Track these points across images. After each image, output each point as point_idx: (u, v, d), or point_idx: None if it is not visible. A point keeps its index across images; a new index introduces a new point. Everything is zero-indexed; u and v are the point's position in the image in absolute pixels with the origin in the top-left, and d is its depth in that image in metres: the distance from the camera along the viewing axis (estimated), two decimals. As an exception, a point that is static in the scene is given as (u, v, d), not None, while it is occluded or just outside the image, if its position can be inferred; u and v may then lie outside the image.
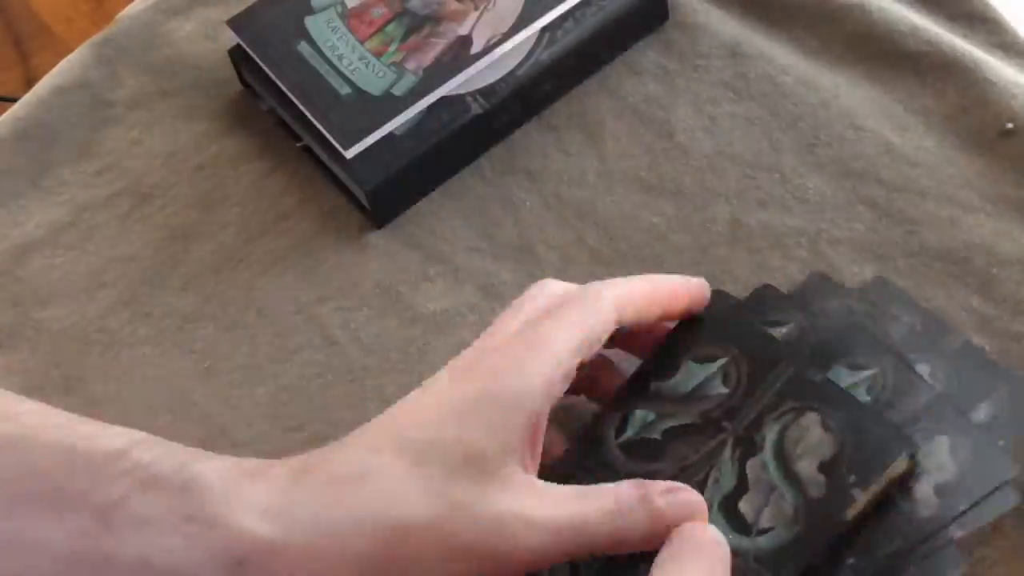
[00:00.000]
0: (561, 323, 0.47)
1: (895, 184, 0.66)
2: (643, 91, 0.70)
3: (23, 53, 1.74)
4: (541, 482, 0.45)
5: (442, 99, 0.68)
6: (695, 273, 0.55)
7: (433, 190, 0.68)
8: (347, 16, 0.71)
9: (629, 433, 0.50)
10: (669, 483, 0.45)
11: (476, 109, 0.67)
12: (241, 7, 0.73)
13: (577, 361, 0.47)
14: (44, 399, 0.60)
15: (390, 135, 0.67)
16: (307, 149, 0.70)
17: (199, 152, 0.71)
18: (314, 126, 0.67)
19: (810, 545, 0.45)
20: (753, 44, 0.71)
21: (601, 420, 0.51)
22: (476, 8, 0.70)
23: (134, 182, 0.71)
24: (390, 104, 0.67)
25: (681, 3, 0.73)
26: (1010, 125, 0.66)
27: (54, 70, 0.76)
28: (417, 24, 0.70)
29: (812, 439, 0.46)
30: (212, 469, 0.43)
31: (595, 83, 0.71)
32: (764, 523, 0.46)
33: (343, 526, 0.42)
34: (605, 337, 0.49)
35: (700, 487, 0.47)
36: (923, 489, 0.46)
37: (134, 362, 0.65)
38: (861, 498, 0.45)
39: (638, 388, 0.51)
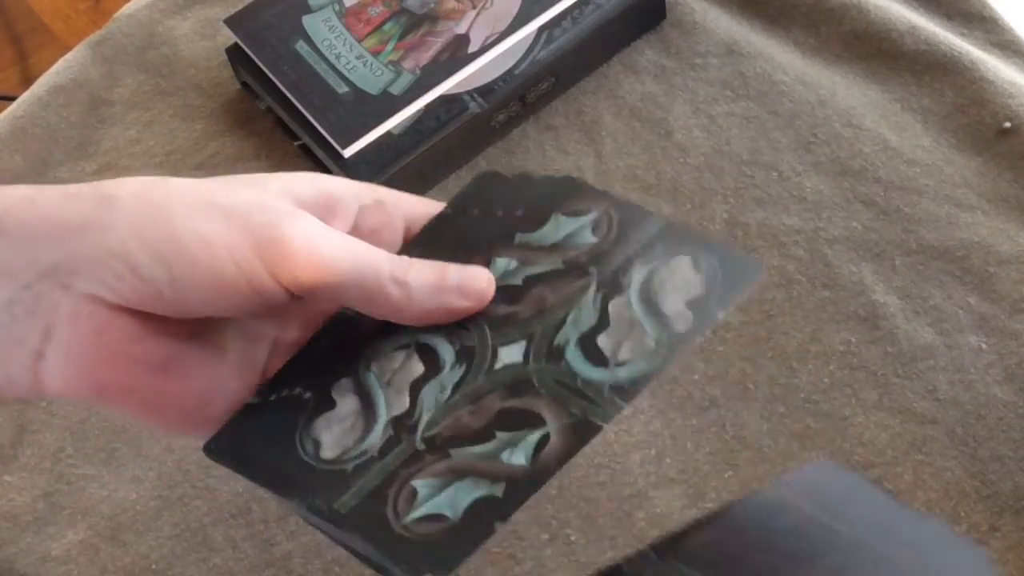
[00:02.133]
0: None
1: (893, 182, 0.66)
2: (641, 90, 0.70)
3: (21, 52, 1.74)
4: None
5: (440, 98, 0.68)
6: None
7: (431, 189, 0.68)
8: (344, 15, 0.71)
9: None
10: (461, 271, 0.45)
11: (474, 108, 0.67)
12: (239, 6, 0.73)
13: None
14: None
15: (388, 134, 0.67)
16: (305, 148, 0.70)
17: (197, 151, 0.71)
18: (312, 125, 0.67)
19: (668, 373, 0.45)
20: (751, 43, 0.71)
21: (456, 241, 0.50)
22: (474, 7, 0.70)
23: (132, 181, 0.71)
24: (388, 103, 0.67)
25: (678, 2, 0.73)
26: (1008, 124, 0.66)
27: (52, 69, 0.76)
28: (415, 23, 0.70)
29: (680, 279, 0.46)
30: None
31: (593, 82, 0.71)
32: (623, 356, 0.45)
33: (108, 185, 0.42)
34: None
35: (557, 327, 0.47)
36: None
37: (132, 361, 0.65)
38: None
39: (500, 237, 0.50)
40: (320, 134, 0.67)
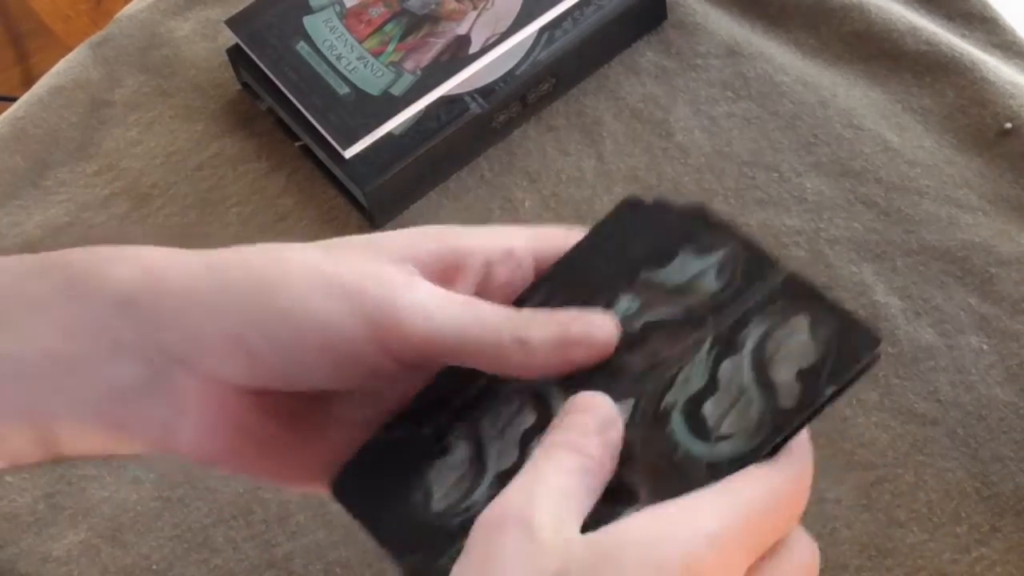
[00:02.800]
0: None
1: (893, 183, 0.66)
2: (641, 91, 0.70)
3: (22, 52, 1.74)
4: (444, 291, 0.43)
5: (441, 99, 0.68)
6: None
7: (432, 190, 0.68)
8: (345, 16, 0.71)
9: None
10: (573, 313, 0.44)
11: (475, 109, 0.67)
12: (239, 7, 0.73)
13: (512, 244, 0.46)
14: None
15: (389, 135, 0.67)
16: (306, 149, 0.70)
17: (198, 152, 0.71)
18: (313, 126, 0.67)
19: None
20: (751, 43, 0.71)
21: (576, 283, 0.48)
22: (474, 7, 0.70)
23: (133, 182, 0.71)
24: (389, 104, 0.67)
25: (679, 3, 0.73)
26: (1008, 125, 0.66)
27: (53, 70, 0.76)
28: (415, 24, 0.70)
29: (795, 342, 0.43)
30: (90, 248, 0.43)
31: (594, 83, 0.71)
32: (725, 429, 0.42)
33: (224, 261, 0.42)
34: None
35: (666, 387, 0.44)
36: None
37: (133, 362, 0.65)
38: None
39: (626, 273, 0.47)
40: (321, 135, 0.67)
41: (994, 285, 0.62)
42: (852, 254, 0.64)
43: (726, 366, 0.44)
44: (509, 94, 0.68)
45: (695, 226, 0.46)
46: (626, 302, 0.46)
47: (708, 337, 0.44)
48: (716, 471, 0.41)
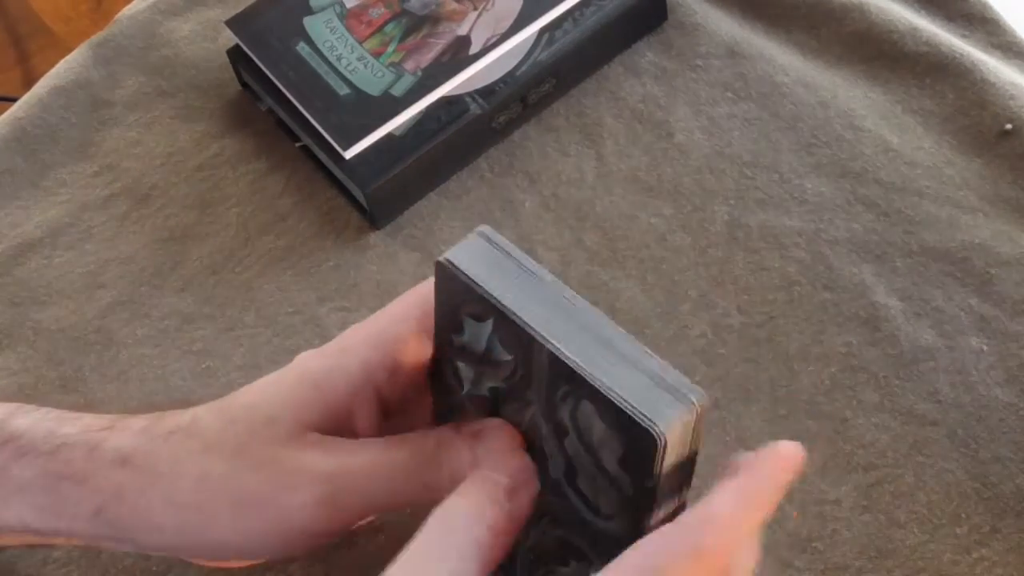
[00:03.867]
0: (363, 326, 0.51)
1: (894, 184, 0.66)
2: (642, 91, 0.70)
3: (22, 53, 1.74)
4: (342, 440, 0.48)
5: (441, 99, 0.68)
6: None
7: (432, 190, 0.68)
8: (346, 16, 0.71)
9: (467, 386, 0.48)
10: (478, 425, 0.47)
11: (475, 109, 0.67)
12: (240, 7, 0.73)
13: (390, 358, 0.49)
14: (42, 399, 0.61)
15: (389, 136, 0.67)
16: (306, 149, 0.70)
17: (198, 153, 0.71)
18: (313, 126, 0.67)
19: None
20: (752, 44, 0.71)
21: (440, 370, 0.49)
22: (475, 8, 0.70)
23: (133, 183, 0.71)
24: (389, 104, 0.67)
25: (680, 3, 0.73)
26: (1009, 126, 0.66)
27: (53, 70, 0.76)
28: (416, 24, 0.70)
29: (599, 432, 0.43)
30: (76, 431, 0.50)
31: (594, 83, 0.71)
32: (604, 509, 0.45)
33: (170, 469, 0.48)
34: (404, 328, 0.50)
35: (544, 460, 0.46)
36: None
37: (133, 362, 0.65)
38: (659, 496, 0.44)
39: (446, 340, 0.48)
40: (321, 135, 0.67)
41: (994, 286, 0.62)
42: (852, 255, 0.64)
43: (569, 446, 0.44)
44: (509, 95, 0.68)
45: (456, 287, 0.46)
46: (464, 367, 0.47)
47: (538, 411, 0.45)
48: (607, 553, 0.42)
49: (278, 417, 0.48)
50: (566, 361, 0.42)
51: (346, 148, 0.66)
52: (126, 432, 0.49)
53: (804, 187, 0.66)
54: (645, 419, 0.41)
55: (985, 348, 0.60)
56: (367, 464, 0.47)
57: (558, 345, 0.43)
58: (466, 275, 0.45)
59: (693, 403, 0.42)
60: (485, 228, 0.46)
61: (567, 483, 0.45)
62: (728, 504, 0.42)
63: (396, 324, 0.49)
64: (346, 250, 0.67)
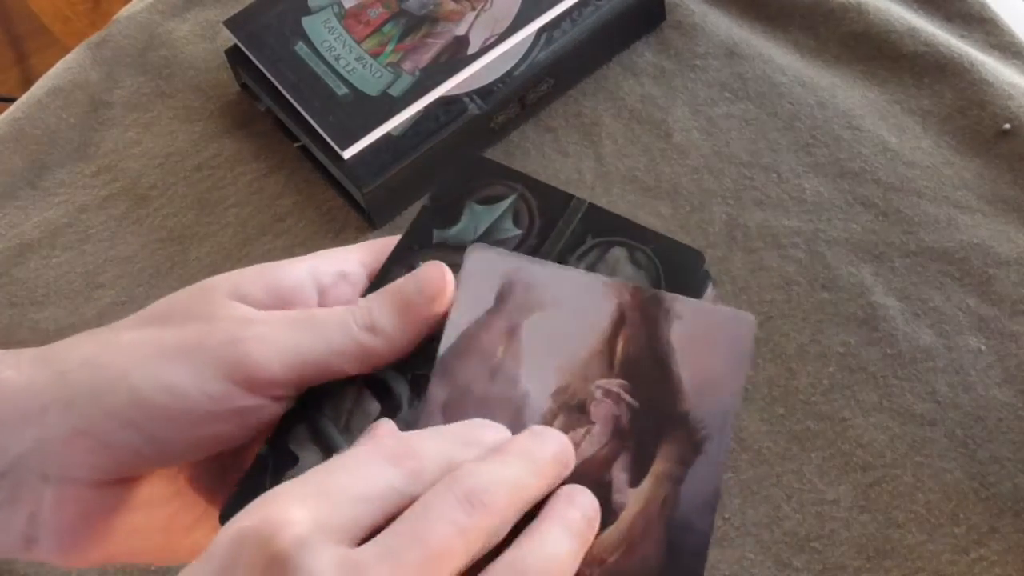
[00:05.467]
0: None
1: (892, 184, 0.66)
2: (640, 91, 0.70)
3: (21, 53, 1.74)
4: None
5: (439, 100, 0.68)
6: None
7: (431, 190, 0.68)
8: (344, 16, 0.71)
9: None
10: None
11: (473, 109, 0.67)
12: (238, 8, 0.73)
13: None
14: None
15: (387, 136, 0.67)
16: (304, 150, 0.70)
17: (196, 153, 0.71)
18: (311, 127, 0.67)
19: None
20: (750, 44, 0.71)
21: (389, 271, 0.47)
22: (473, 8, 0.70)
23: (131, 183, 0.71)
24: (387, 105, 0.67)
25: (678, 3, 0.73)
26: (1007, 126, 0.66)
27: (51, 71, 0.76)
28: (414, 24, 0.70)
29: (623, 276, 0.43)
30: None
31: (592, 83, 0.71)
32: None
33: (61, 357, 0.41)
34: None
35: None
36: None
37: (131, 363, 0.65)
38: None
39: (419, 239, 0.46)
40: (320, 135, 0.67)
41: (992, 286, 0.62)
42: (851, 255, 0.64)
43: None
44: (508, 95, 0.68)
45: (474, 176, 0.46)
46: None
47: None
48: None
49: (211, 286, 0.43)
50: (602, 211, 0.43)
51: (344, 148, 0.66)
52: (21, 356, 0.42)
53: (802, 187, 0.66)
54: (693, 253, 0.42)
55: (983, 348, 0.60)
56: (305, 313, 0.42)
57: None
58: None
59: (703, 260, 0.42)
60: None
61: None
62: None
63: (343, 251, 0.46)
64: (345, 250, 0.67)
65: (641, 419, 0.42)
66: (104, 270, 0.68)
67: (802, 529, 0.56)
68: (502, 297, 0.44)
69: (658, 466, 0.42)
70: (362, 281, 0.45)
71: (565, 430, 0.42)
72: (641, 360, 0.42)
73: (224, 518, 0.42)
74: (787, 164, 0.67)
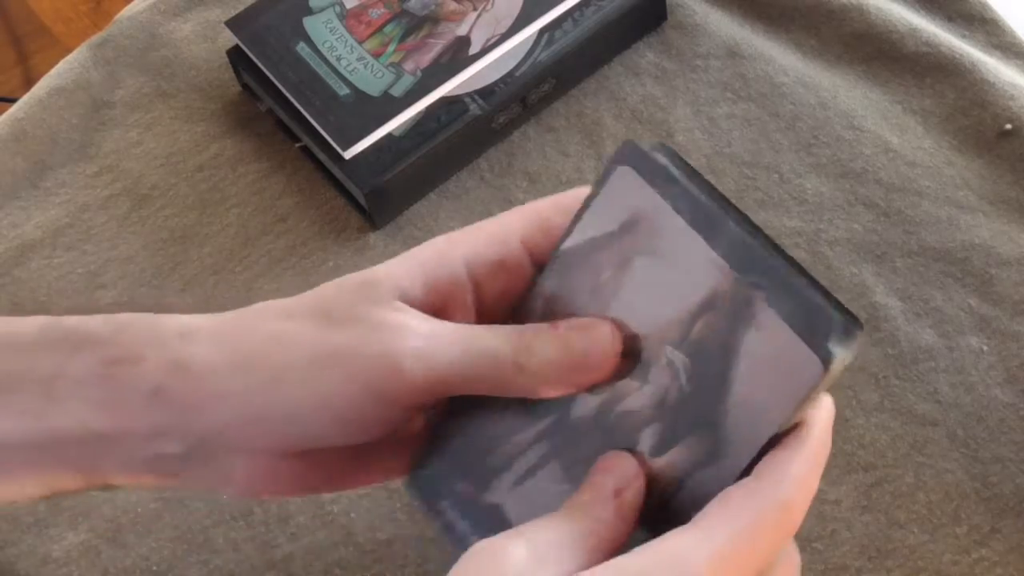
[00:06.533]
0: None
1: (894, 184, 0.66)
2: (642, 92, 0.70)
3: (22, 53, 1.74)
4: (439, 321, 0.44)
5: (441, 100, 0.68)
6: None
7: (432, 191, 0.68)
8: (345, 16, 0.71)
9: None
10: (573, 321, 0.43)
11: (475, 110, 0.67)
12: (239, 8, 0.73)
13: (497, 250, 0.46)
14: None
15: (389, 136, 0.67)
16: (306, 150, 0.70)
17: (198, 153, 0.71)
18: (313, 127, 0.67)
19: None
20: (752, 44, 0.71)
21: (570, 266, 0.46)
22: (474, 8, 0.70)
23: (133, 183, 0.71)
24: (389, 105, 0.67)
25: (680, 3, 0.73)
26: (1009, 126, 0.66)
27: (53, 71, 0.76)
28: (415, 25, 0.70)
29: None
30: (135, 315, 0.46)
31: (594, 84, 0.71)
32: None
33: (240, 333, 0.45)
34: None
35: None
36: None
37: (133, 363, 0.65)
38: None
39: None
40: (321, 136, 0.67)
41: (994, 286, 0.62)
42: (852, 255, 0.64)
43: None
44: (509, 95, 0.68)
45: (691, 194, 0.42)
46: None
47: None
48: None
49: (375, 281, 0.44)
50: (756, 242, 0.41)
51: (346, 148, 0.66)
52: (194, 315, 0.46)
53: (804, 187, 0.66)
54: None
55: (985, 348, 0.60)
56: (463, 332, 0.43)
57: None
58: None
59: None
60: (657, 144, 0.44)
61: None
62: (797, 462, 0.39)
63: (505, 228, 0.46)
64: (346, 250, 0.67)
65: (683, 404, 0.42)
66: (106, 270, 0.68)
67: (803, 529, 0.56)
68: (626, 228, 0.43)
69: (674, 454, 0.42)
70: (523, 265, 0.46)
71: (619, 374, 0.43)
72: (709, 351, 0.41)
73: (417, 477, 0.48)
74: (789, 164, 0.67)
